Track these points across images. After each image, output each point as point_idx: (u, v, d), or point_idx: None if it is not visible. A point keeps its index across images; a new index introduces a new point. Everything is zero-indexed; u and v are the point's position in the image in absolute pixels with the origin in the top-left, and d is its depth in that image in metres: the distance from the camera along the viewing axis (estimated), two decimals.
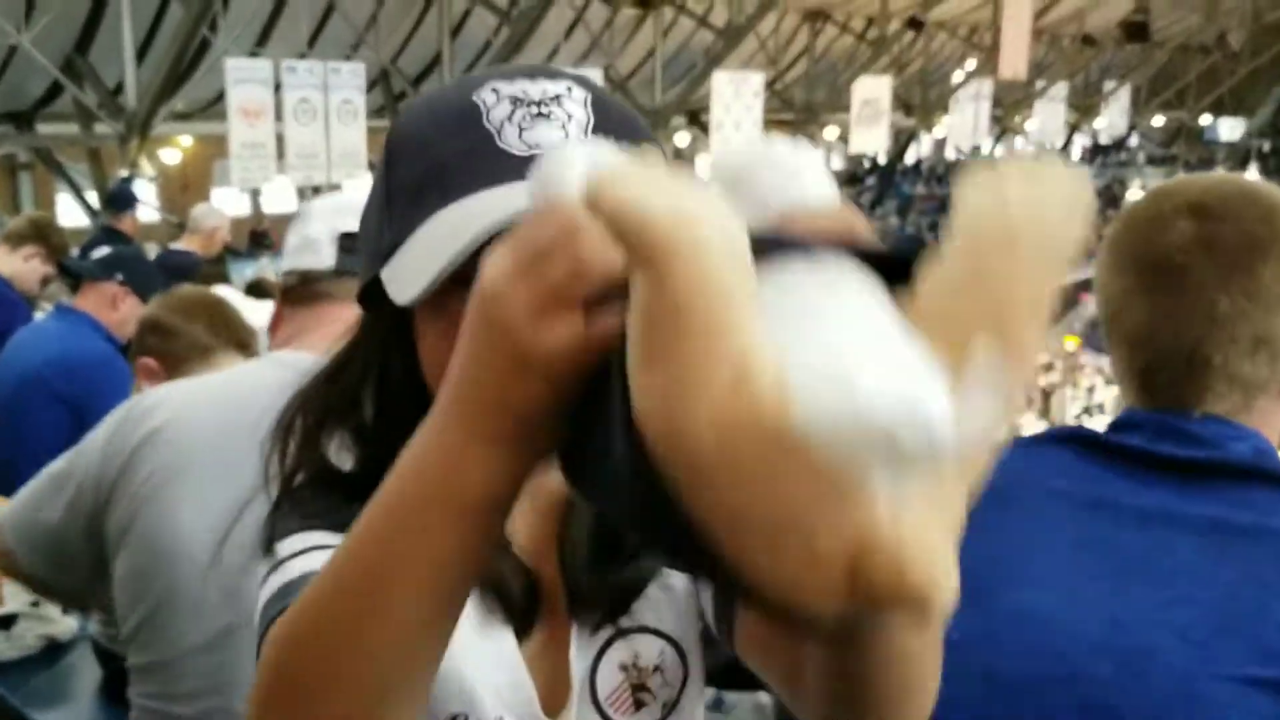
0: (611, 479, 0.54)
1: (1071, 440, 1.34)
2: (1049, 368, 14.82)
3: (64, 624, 2.60)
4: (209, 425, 1.67)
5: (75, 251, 5.71)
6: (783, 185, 0.59)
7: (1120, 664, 1.15)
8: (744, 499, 0.47)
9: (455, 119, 0.81)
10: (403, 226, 0.82)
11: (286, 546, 0.83)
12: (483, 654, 0.86)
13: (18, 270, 4.19)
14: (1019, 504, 1.30)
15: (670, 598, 0.92)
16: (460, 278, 0.73)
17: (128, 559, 1.70)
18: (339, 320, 1.81)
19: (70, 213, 20.07)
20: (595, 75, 21.19)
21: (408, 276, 0.80)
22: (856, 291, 0.52)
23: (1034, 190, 0.53)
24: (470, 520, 0.61)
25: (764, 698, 2.81)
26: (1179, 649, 1.14)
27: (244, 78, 15.72)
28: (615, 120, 0.84)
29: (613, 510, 0.59)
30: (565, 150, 0.57)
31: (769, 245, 0.51)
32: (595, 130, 0.81)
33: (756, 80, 23.25)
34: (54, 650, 2.55)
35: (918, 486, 0.48)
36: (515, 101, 0.80)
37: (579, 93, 0.83)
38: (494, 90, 0.81)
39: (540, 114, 0.80)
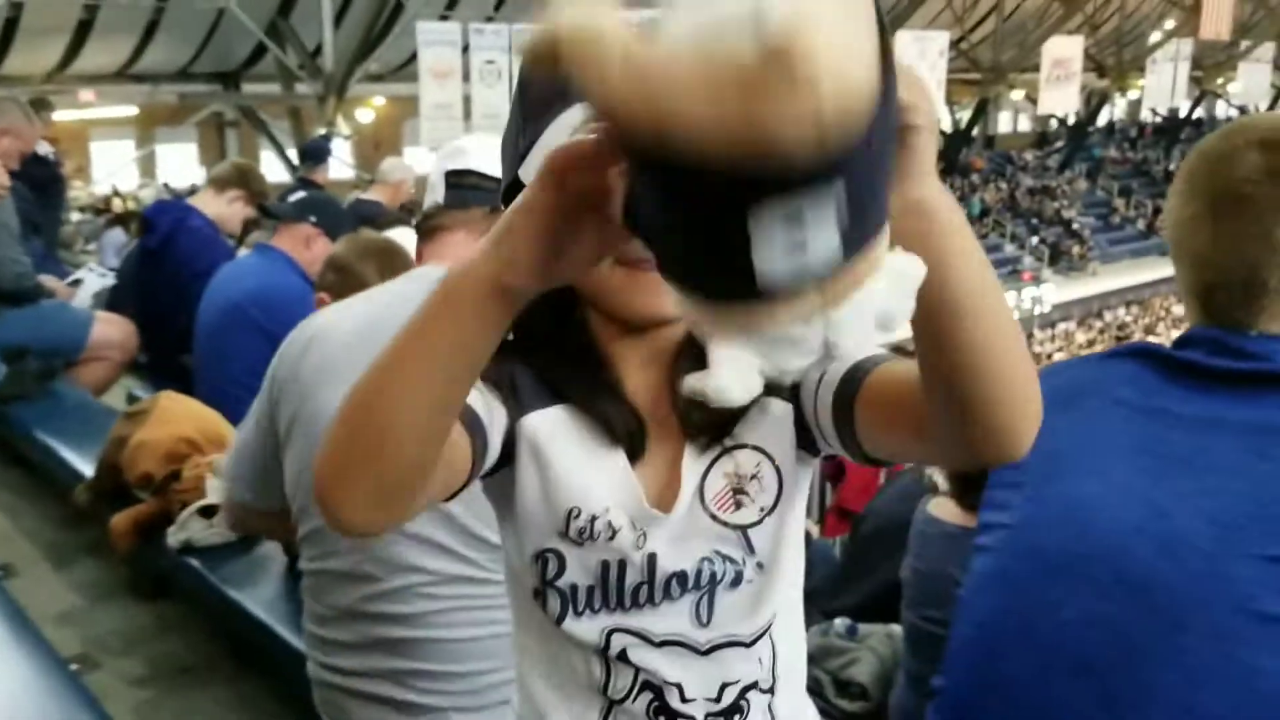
0: (645, 210, 0.71)
1: (1140, 355, 1.45)
2: None
3: None
4: (352, 331, 1.92)
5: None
6: None
7: (1156, 544, 1.27)
8: (684, 104, 0.58)
9: None
10: (534, 132, 1.02)
11: None
12: (598, 468, 1.06)
13: (222, 212, 4.53)
14: (1084, 407, 1.42)
15: (768, 420, 1.08)
16: None
17: (294, 447, 1.97)
18: (450, 246, 2.05)
19: (272, 167, 21.12)
20: None
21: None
22: None
23: None
24: (472, 308, 0.80)
25: (895, 628, 2.94)
26: (1210, 532, 1.24)
27: (434, 40, 16.22)
28: None
29: (654, 234, 0.72)
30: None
31: None
32: None
33: (941, 39, 22.69)
34: (249, 539, 2.86)
35: None
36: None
37: None
38: None
39: None
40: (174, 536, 2.89)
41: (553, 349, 1.09)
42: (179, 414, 3.20)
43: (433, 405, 0.82)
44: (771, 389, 1.03)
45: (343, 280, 2.77)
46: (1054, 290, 27.66)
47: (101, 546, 3.27)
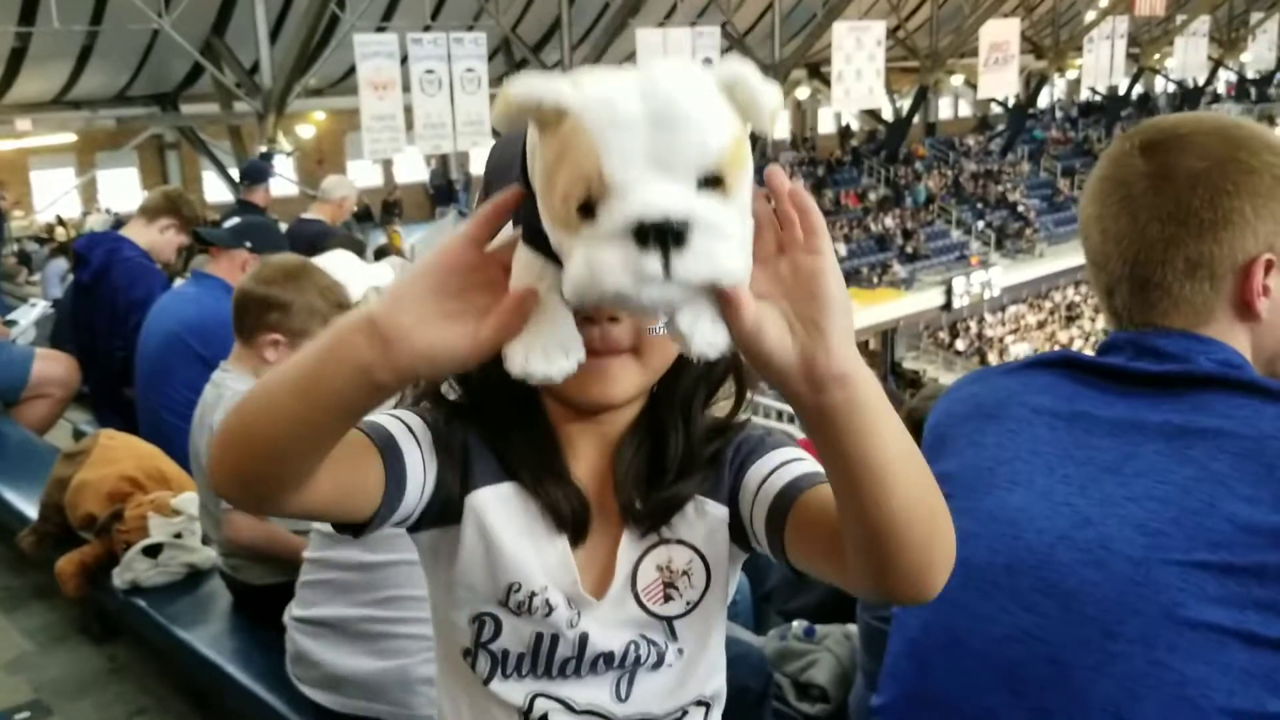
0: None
1: (1058, 363, 1.46)
2: None
3: (203, 553, 2.89)
4: None
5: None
6: None
7: (1081, 552, 1.27)
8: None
9: None
10: None
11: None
12: (540, 550, 1.11)
13: (154, 241, 4.48)
14: (1006, 420, 1.43)
15: (705, 523, 1.13)
16: None
17: None
18: None
19: (215, 188, 20.90)
20: (712, 33, 21.12)
21: None
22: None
23: None
24: (347, 378, 0.83)
25: (852, 628, 2.95)
26: (1135, 538, 1.25)
27: (372, 51, 16.12)
28: None
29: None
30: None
31: None
32: None
33: (878, 29, 22.82)
34: (195, 577, 2.86)
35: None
36: None
37: None
38: None
39: None
40: (120, 577, 2.87)
41: (509, 426, 1.13)
42: (119, 452, 3.17)
43: (301, 439, 0.87)
44: (708, 491, 1.14)
45: (287, 315, 2.73)
46: (1002, 273, 27.91)
47: (49, 590, 3.23)
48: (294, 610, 2.15)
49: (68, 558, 3.01)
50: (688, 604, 1.13)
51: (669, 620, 1.13)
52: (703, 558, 1.13)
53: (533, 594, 1.10)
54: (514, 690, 1.13)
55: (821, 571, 1.03)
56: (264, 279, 2.79)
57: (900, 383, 26.37)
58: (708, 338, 0.79)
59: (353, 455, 0.99)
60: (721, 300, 0.77)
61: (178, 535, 2.87)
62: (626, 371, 1.09)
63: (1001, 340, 28.21)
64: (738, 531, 1.13)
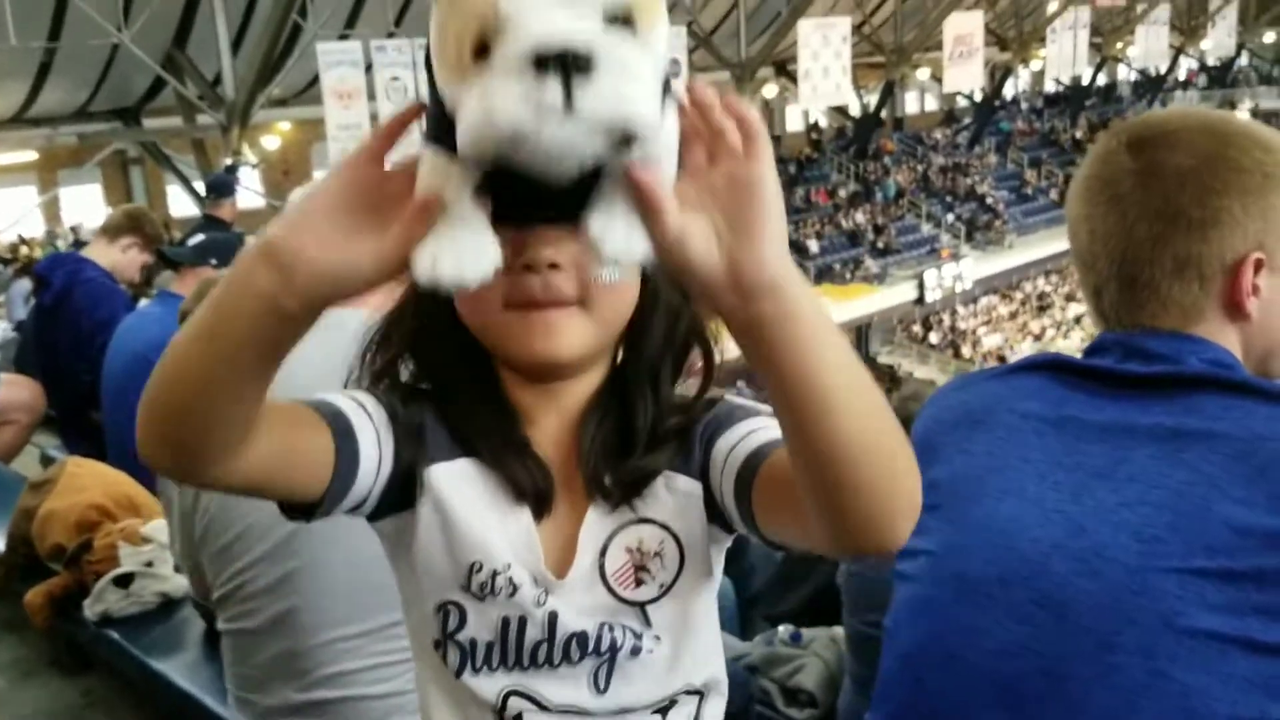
0: None
1: (1045, 367, 1.43)
2: None
3: (175, 581, 2.83)
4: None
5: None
6: None
7: (1076, 561, 1.24)
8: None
9: None
10: None
11: None
12: (503, 524, 1.05)
13: (117, 261, 4.42)
14: (994, 426, 1.40)
15: (676, 499, 1.07)
16: None
17: (201, 508, 1.95)
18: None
19: (180, 202, 20.77)
20: (678, 32, 21.12)
21: None
22: None
23: None
24: (251, 324, 0.80)
25: (838, 631, 2.93)
26: (1131, 546, 1.22)
27: (335, 60, 16.07)
28: None
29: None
30: None
31: None
32: None
33: (843, 25, 22.93)
34: (168, 606, 2.78)
35: None
36: None
37: None
38: None
39: None
40: (91, 609, 2.81)
41: (465, 400, 1.08)
42: (86, 480, 3.10)
43: (219, 388, 0.82)
44: (679, 466, 1.08)
45: None
46: (973, 265, 28.07)
47: (19, 623, 3.17)
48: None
49: (36, 590, 2.95)
50: (661, 587, 1.06)
51: (641, 606, 1.06)
52: (675, 537, 1.07)
53: (495, 573, 1.03)
54: (486, 685, 1.06)
55: (789, 535, 0.99)
56: (201, 296, 2.79)
57: (875, 378, 26.41)
58: (622, 242, 0.75)
59: (294, 423, 0.95)
60: (642, 203, 0.73)
61: (149, 564, 2.80)
62: (573, 324, 1.03)
63: (974, 332, 28.37)
64: (714, 510, 1.07)
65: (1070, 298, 30.30)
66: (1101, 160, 1.39)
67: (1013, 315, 29.82)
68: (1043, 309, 30.36)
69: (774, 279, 0.74)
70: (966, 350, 27.35)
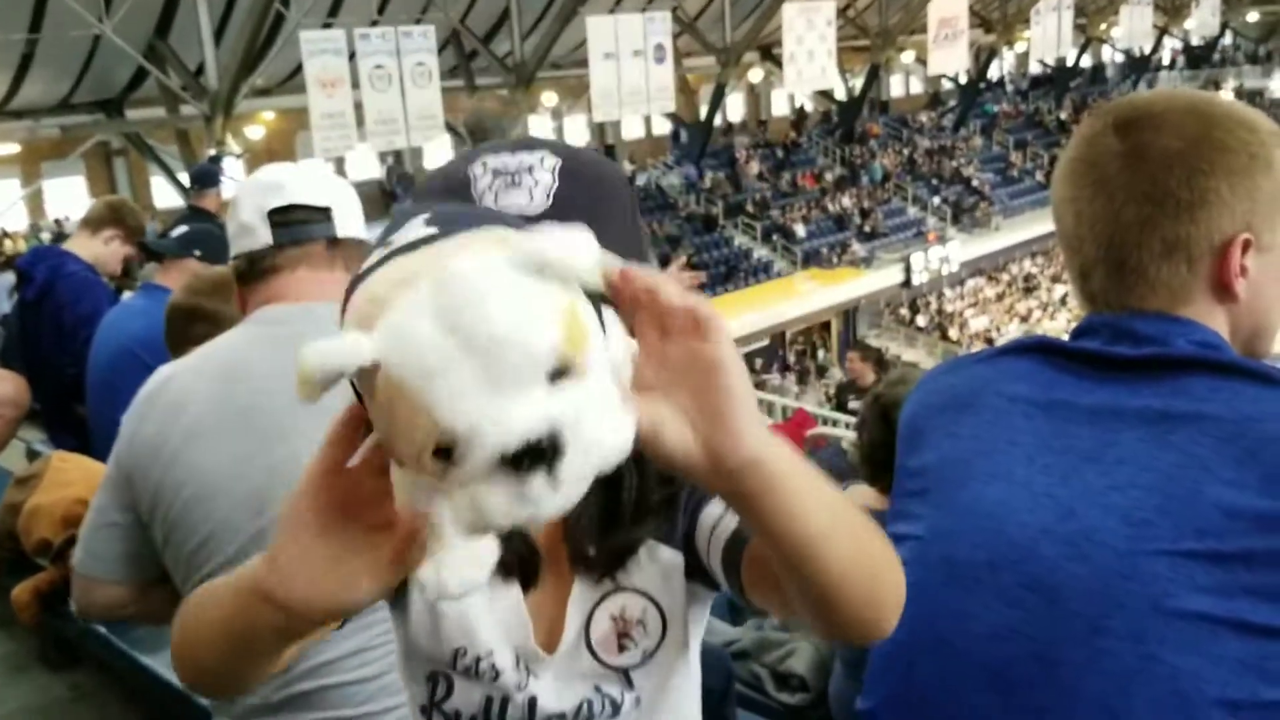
0: None
1: (1033, 349, 1.42)
2: None
3: None
4: (216, 390, 1.83)
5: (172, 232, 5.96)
6: None
7: (1065, 545, 1.24)
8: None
9: (455, 188, 1.02)
10: None
11: None
12: (491, 603, 1.07)
13: (99, 253, 4.32)
14: (982, 410, 1.39)
15: (659, 569, 1.09)
16: None
17: (159, 515, 1.85)
18: (292, 284, 1.94)
19: (164, 193, 20.67)
20: (663, 18, 21.07)
21: None
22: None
23: None
24: (270, 638, 0.86)
25: None
26: (1120, 529, 1.22)
27: (319, 49, 15.99)
28: (583, 181, 1.04)
29: None
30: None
31: None
32: (559, 193, 1.01)
33: (828, 8, 22.89)
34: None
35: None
36: (496, 173, 1.02)
37: (550, 161, 1.03)
38: (483, 164, 1.03)
39: (513, 183, 1.02)
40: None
41: None
42: (72, 474, 3.08)
43: (251, 669, 0.92)
44: (661, 536, 1.09)
45: (217, 326, 2.65)
46: (959, 248, 28.11)
47: (6, 619, 3.15)
48: None
49: (23, 585, 2.93)
50: (644, 653, 1.09)
51: (625, 671, 1.09)
52: (657, 605, 1.09)
53: (478, 658, 1.06)
54: None
55: (781, 615, 1.01)
56: (193, 290, 2.73)
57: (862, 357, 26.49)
58: (594, 439, 0.73)
59: None
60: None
61: None
62: None
63: (961, 314, 28.42)
64: (701, 575, 1.08)
65: (1056, 279, 30.37)
66: (1087, 142, 1.37)
67: (999, 297, 29.87)
68: (1029, 290, 30.42)
69: (751, 458, 0.74)
70: (954, 332, 27.40)
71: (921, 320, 27.95)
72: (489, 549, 0.77)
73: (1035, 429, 1.34)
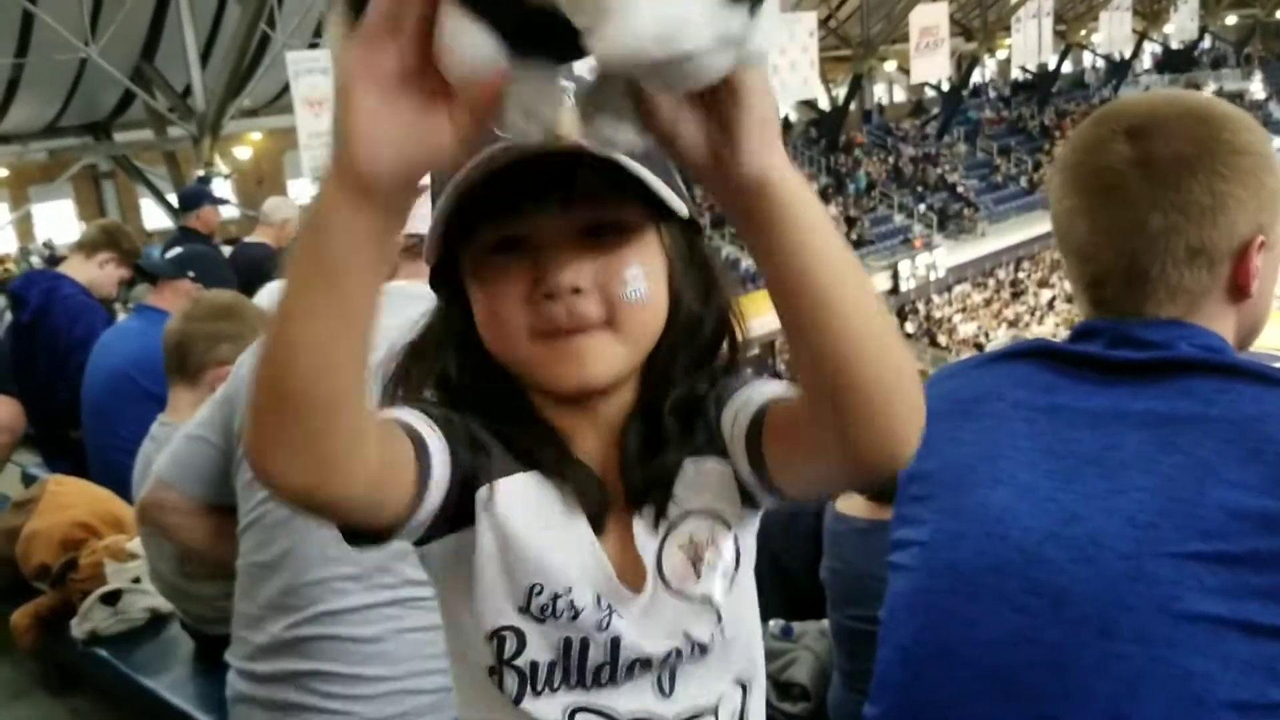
0: None
1: (1032, 353, 1.43)
2: None
3: (163, 597, 2.81)
4: None
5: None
6: None
7: (1070, 549, 1.24)
8: None
9: None
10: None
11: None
12: (562, 543, 1.01)
13: (94, 276, 4.38)
14: (984, 415, 1.40)
15: (710, 481, 1.04)
16: (497, 245, 0.99)
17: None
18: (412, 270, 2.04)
19: (153, 215, 20.63)
20: None
21: (428, 253, 1.03)
22: None
23: None
24: (323, 253, 0.75)
25: (825, 624, 2.94)
26: (1126, 532, 1.22)
27: (305, 69, 15.95)
28: None
29: None
30: None
31: None
32: None
33: (810, 19, 22.93)
34: (156, 622, 2.78)
35: None
36: None
37: None
38: None
39: None
40: (78, 628, 2.79)
41: (505, 421, 1.04)
42: (70, 498, 3.09)
43: (329, 334, 0.76)
44: (703, 448, 1.05)
45: (239, 343, 2.68)
46: (946, 254, 28.15)
47: (6, 645, 3.14)
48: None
49: (22, 610, 2.94)
50: (724, 576, 1.04)
51: (710, 600, 1.03)
52: (723, 520, 1.04)
53: (556, 596, 1.00)
54: (548, 707, 1.02)
55: (800, 468, 0.97)
56: (200, 316, 2.78)
57: None
58: (610, 127, 0.76)
59: (386, 433, 0.90)
60: (639, 97, 0.74)
61: (136, 579, 2.79)
62: (603, 348, 1.00)
63: (950, 320, 28.45)
64: (741, 490, 1.05)
65: (1043, 283, 30.42)
66: (1093, 150, 1.37)
67: (987, 302, 29.92)
68: (1016, 295, 30.47)
69: (760, 177, 0.75)
70: (943, 338, 27.42)
71: (910, 327, 27.96)
72: (557, 83, 0.76)
73: (1037, 433, 1.35)
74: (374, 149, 0.72)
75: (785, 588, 3.39)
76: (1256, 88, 36.60)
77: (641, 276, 1.00)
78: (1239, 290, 1.33)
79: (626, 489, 1.04)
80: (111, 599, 2.77)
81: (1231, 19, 38.95)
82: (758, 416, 0.99)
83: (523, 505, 1.01)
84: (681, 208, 1.02)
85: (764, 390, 1.01)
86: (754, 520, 1.08)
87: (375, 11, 0.71)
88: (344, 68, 0.72)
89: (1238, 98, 32.24)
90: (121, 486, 3.23)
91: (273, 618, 1.94)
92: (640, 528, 1.04)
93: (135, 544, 2.87)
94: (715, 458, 1.05)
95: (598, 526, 1.03)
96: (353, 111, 0.72)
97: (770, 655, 2.97)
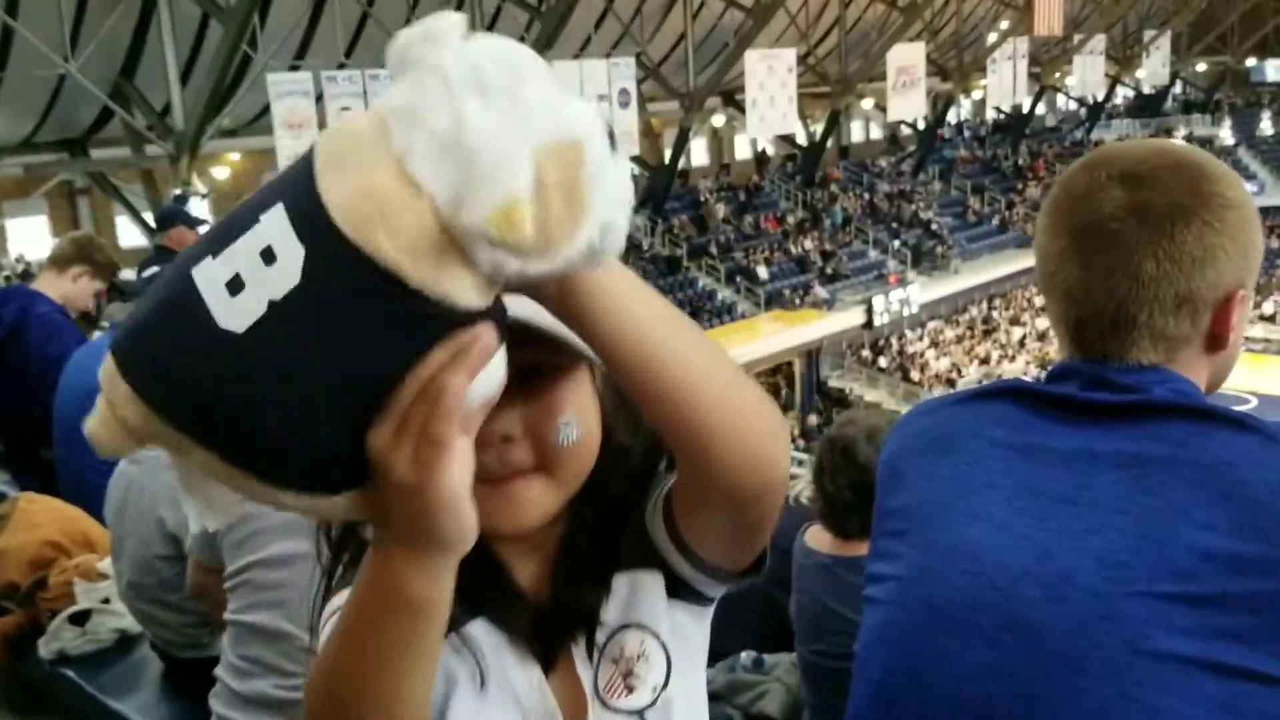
0: None
1: (1010, 393, 1.45)
2: None
3: (133, 618, 2.79)
4: None
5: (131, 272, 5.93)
6: None
7: (1043, 587, 1.26)
8: None
9: None
10: None
11: (336, 602, 1.04)
12: (515, 689, 1.03)
13: (68, 291, 4.29)
14: (960, 452, 1.42)
15: (642, 594, 1.05)
16: None
17: None
18: None
19: (129, 233, 20.51)
20: (627, 63, 21.23)
21: None
22: None
23: None
24: (405, 614, 0.81)
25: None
26: (1097, 571, 1.24)
27: (286, 91, 15.97)
28: None
29: None
30: None
31: None
32: None
33: (789, 56, 23.16)
34: (125, 643, 2.75)
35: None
36: None
37: None
38: None
39: None
40: (46, 647, 2.76)
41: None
42: (40, 517, 3.06)
43: (394, 695, 0.83)
44: (634, 561, 1.07)
45: None
46: (919, 290, 28.33)
47: None
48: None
49: None
50: (653, 689, 1.05)
51: (640, 713, 1.05)
52: (654, 634, 1.05)
53: None
54: None
55: (707, 527, 0.99)
56: None
57: (826, 401, 26.62)
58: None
59: None
60: None
61: (105, 600, 2.77)
62: (534, 493, 0.99)
63: (922, 355, 28.60)
64: (686, 590, 1.06)
65: (1015, 321, 30.66)
66: (1086, 194, 1.38)
67: (959, 339, 30.11)
68: (988, 333, 30.70)
69: (565, 285, 0.78)
70: (915, 374, 27.57)
71: (883, 361, 28.10)
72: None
73: (1012, 471, 1.36)
74: (471, 520, 0.80)
75: (775, 617, 3.40)
76: (1225, 134, 37.11)
77: (574, 421, 0.99)
78: (1216, 339, 1.36)
79: (564, 612, 1.05)
80: (80, 619, 2.75)
81: (1202, 65, 39.55)
82: (666, 501, 1.02)
83: (488, 651, 1.03)
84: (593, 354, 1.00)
85: (670, 477, 1.04)
86: (706, 614, 1.10)
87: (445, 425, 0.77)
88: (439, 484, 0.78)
89: (1207, 143, 32.69)
90: (93, 505, 3.21)
91: (260, 676, 1.99)
92: (579, 655, 1.05)
93: (105, 564, 2.85)
94: (646, 570, 1.06)
95: (549, 663, 1.04)
96: (449, 500, 0.79)
97: (742, 687, 2.98)
